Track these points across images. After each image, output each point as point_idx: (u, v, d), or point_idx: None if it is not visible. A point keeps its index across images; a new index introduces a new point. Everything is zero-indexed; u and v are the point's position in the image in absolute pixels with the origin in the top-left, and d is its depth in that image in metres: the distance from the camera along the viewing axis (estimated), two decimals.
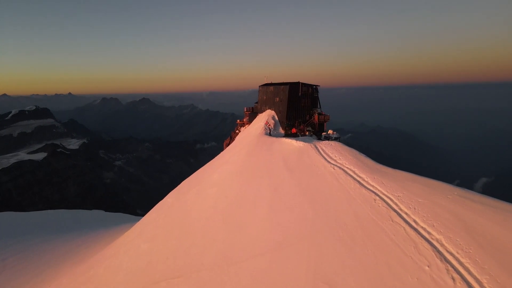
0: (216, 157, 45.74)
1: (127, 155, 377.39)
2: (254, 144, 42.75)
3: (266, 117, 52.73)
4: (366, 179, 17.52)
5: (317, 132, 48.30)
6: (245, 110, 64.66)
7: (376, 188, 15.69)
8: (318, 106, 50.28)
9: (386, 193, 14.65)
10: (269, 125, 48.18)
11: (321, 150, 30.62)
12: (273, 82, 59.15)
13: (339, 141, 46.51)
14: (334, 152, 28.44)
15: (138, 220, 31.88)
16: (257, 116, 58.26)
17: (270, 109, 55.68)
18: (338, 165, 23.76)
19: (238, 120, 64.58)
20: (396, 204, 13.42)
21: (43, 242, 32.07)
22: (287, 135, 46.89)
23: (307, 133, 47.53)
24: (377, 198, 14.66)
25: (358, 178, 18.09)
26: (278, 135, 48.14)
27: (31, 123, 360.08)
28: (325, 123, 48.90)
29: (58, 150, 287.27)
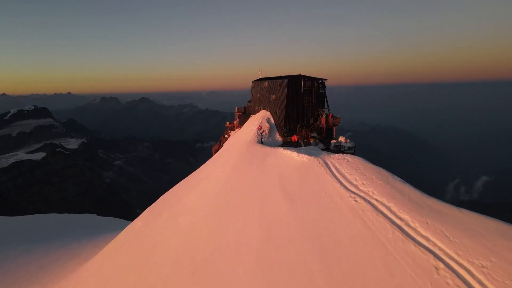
0: (202, 167, 37.91)
1: (126, 155, 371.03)
2: (243, 156, 33.98)
3: (259, 119, 40.94)
4: (413, 225, 10.75)
5: (325, 140, 36.52)
6: (235, 110, 52.85)
7: (436, 245, 9.03)
8: (326, 106, 38.51)
9: (456, 256, 8.10)
10: (263, 130, 36.39)
11: (333, 169, 23.00)
12: (268, 76, 47.19)
13: (354, 153, 34.61)
14: (354, 173, 20.78)
15: (127, 225, 29.17)
16: (249, 118, 46.40)
17: (265, 109, 43.88)
18: (362, 194, 16.40)
19: (227, 123, 52.75)
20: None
21: (22, 254, 30.64)
22: (286, 143, 35.21)
23: (311, 141, 35.74)
24: (441, 266, 7.87)
25: (399, 222, 11.37)
26: (274, 144, 36.46)
27: (30, 122, 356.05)
28: (334, 128, 37.10)
29: (57, 149, 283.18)
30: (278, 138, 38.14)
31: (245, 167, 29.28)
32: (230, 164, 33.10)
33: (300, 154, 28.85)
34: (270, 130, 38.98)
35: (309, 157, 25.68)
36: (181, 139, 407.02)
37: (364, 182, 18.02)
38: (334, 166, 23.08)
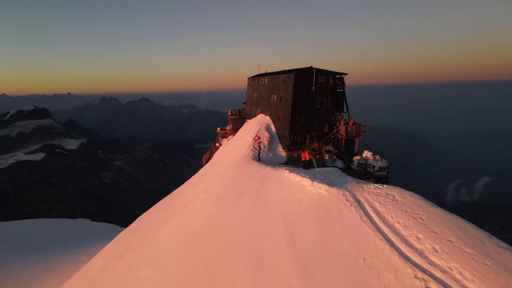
0: (189, 180, 30.31)
1: (126, 155, 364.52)
2: (232, 179, 24.29)
3: (256, 126, 30.71)
4: None
5: (344, 155, 26.29)
6: (228, 113, 42.57)
7: None
8: (345, 109, 28.17)
9: None
10: (260, 141, 26.30)
11: (372, 213, 14.52)
12: (268, 72, 36.88)
13: (387, 176, 24.47)
14: (411, 224, 12.82)
15: (119, 232, 25.89)
16: (245, 124, 36.13)
17: (264, 113, 33.63)
18: (440, 276, 10.00)
19: (218, 128, 42.43)
20: None
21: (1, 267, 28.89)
22: (292, 160, 25.12)
23: (326, 157, 25.53)
24: None
25: None
26: (275, 160, 26.39)
27: (30, 123, 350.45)
28: (357, 139, 26.78)
29: (57, 150, 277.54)
30: (281, 152, 27.92)
31: (234, 200, 20.93)
32: (214, 192, 23.21)
33: (314, 182, 18.65)
34: (270, 141, 28.75)
35: (329, 187, 16.13)
36: (180, 140, 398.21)
37: (438, 247, 10.94)
38: (372, 207, 15.27)
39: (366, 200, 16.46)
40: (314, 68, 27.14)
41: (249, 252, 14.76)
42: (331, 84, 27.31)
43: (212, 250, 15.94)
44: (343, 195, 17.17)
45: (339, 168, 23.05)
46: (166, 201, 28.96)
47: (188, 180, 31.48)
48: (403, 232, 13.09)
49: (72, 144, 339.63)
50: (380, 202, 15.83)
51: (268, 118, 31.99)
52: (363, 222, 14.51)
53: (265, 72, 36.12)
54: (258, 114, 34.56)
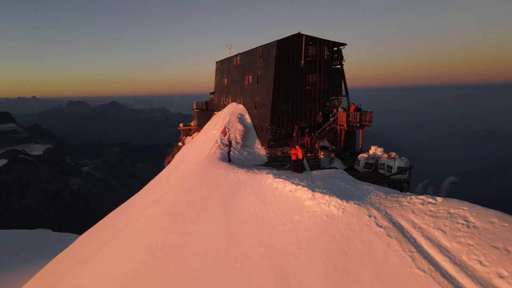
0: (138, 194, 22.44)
1: (95, 160, 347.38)
2: (190, 189, 16.73)
3: (225, 117, 22.92)
4: None
5: (343, 152, 18.95)
6: (194, 106, 34.56)
7: None
8: (344, 92, 20.86)
9: None
10: (230, 134, 18.61)
11: (439, 257, 7.55)
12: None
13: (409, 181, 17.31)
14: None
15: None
16: (212, 117, 28.23)
17: (236, 101, 25.83)
18: None
19: (181, 125, 34.23)
20: None
21: None
22: (274, 160, 17.51)
23: (321, 156, 18.08)
24: None
25: None
26: (251, 161, 18.60)
27: None
28: (361, 131, 19.46)
29: (20, 156, 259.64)
30: (259, 149, 20.28)
31: (191, 221, 13.76)
32: (163, 208, 15.08)
33: (317, 194, 10.67)
34: (245, 135, 21.03)
35: (343, 202, 10.00)
36: (153, 144, 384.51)
37: None
38: (431, 240, 8.32)
39: (415, 225, 9.25)
40: (303, 35, 19.68)
41: None
42: (325, 57, 19.95)
43: None
44: (370, 216, 9.86)
45: (344, 172, 15.68)
46: (110, 218, 21.50)
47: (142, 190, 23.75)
48: None
49: (37, 149, 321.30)
50: (444, 232, 8.61)
51: (241, 106, 24.28)
52: (424, 272, 7.28)
53: (237, 53, 28.50)
54: (229, 104, 26.78)
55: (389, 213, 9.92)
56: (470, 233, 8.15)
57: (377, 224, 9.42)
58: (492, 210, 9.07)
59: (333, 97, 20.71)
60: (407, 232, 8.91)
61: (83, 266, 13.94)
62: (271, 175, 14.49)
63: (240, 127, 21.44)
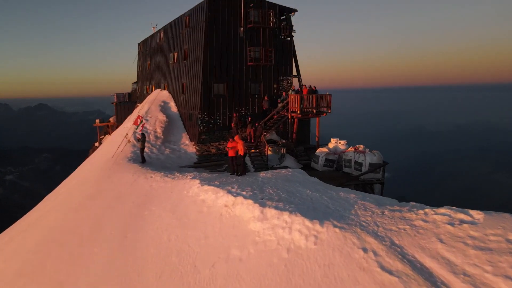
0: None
1: (20, 168, 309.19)
2: (79, 204, 11.49)
3: (143, 107, 17.28)
4: None
5: (296, 147, 14.43)
6: (114, 99, 28.25)
7: None
8: (295, 72, 16.46)
9: None
10: (143, 124, 13.09)
11: None
12: None
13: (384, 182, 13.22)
14: None
15: None
16: (134, 110, 22.29)
17: (160, 88, 20.26)
18: None
19: (97, 121, 27.65)
20: None
21: None
22: (206, 159, 12.23)
23: (269, 152, 13.32)
24: None
25: None
26: (176, 161, 12.99)
27: None
28: (318, 119, 15.22)
29: None
30: (187, 146, 15.09)
31: (68, 262, 8.47)
32: (32, 240, 8.53)
33: (268, 210, 5.35)
34: (168, 128, 15.68)
35: (314, 223, 6.75)
36: (88, 148, 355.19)
37: None
38: None
39: (455, 268, 4.49)
40: None
41: None
42: (271, 24, 15.39)
43: None
44: (366, 250, 5.14)
45: (300, 170, 11.19)
46: None
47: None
48: None
49: None
50: None
51: (165, 93, 18.86)
52: None
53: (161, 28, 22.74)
54: (153, 92, 21.13)
55: (398, 243, 5.51)
56: None
57: (383, 268, 4.92)
58: None
59: (281, 77, 16.23)
60: (444, 283, 4.52)
61: None
62: (198, 181, 9.51)
63: (162, 117, 16.06)
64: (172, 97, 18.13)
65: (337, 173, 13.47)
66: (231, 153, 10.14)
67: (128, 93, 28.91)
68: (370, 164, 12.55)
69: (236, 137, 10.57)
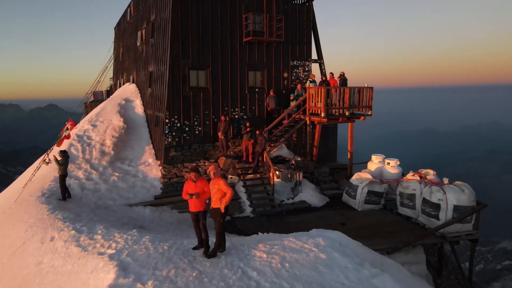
0: None
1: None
2: None
3: (97, 109, 11.88)
4: None
5: (317, 166, 8.75)
6: (91, 97, 23.10)
7: None
8: (315, 55, 11.01)
9: None
10: (60, 142, 7.61)
11: None
12: None
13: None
14: None
15: None
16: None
17: (129, 80, 14.91)
18: None
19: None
20: None
21: None
22: (175, 190, 6.48)
23: (275, 178, 7.61)
24: None
25: None
26: (127, 192, 6.96)
27: None
28: (351, 125, 9.73)
29: None
30: (150, 168, 9.55)
31: None
32: None
33: None
34: (125, 139, 10.30)
35: None
36: None
37: None
38: None
39: None
40: None
41: None
42: None
43: None
44: None
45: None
46: None
47: None
48: None
49: None
50: None
51: (132, 87, 13.53)
52: None
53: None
54: (122, 86, 15.85)
55: None
56: None
57: None
58: None
59: (295, 62, 10.64)
60: None
61: None
62: (115, 270, 4.03)
63: (117, 122, 10.66)
64: (140, 92, 12.74)
65: (390, 218, 7.89)
66: (192, 207, 4.58)
67: (107, 90, 23.71)
68: (455, 207, 6.91)
69: (211, 167, 4.95)
